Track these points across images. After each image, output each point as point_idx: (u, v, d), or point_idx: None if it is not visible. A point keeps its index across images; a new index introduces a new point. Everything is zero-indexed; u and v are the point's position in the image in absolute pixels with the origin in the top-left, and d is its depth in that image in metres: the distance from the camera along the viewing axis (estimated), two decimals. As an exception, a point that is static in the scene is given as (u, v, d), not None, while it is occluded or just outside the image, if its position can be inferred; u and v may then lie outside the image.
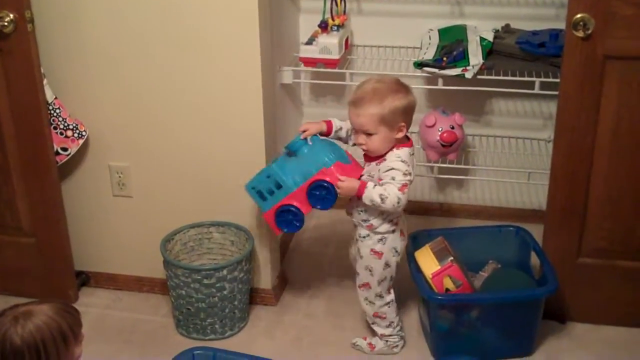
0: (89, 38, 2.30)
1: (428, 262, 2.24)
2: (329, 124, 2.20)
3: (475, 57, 2.51)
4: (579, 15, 2.02)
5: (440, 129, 2.61)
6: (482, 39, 2.61)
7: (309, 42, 2.61)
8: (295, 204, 2.12)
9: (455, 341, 2.23)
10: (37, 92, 2.26)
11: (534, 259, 2.36)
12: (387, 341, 2.28)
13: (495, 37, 2.63)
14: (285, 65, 2.63)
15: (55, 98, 2.35)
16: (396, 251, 2.18)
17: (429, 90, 2.78)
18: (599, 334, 2.35)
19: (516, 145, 2.83)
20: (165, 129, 2.38)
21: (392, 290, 2.24)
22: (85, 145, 2.43)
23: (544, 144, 2.78)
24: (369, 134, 2.06)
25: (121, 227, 2.55)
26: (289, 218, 2.14)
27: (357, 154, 2.24)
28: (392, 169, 2.06)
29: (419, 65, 2.54)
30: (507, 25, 2.69)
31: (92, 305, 2.54)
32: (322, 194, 2.09)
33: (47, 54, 2.30)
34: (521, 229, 2.45)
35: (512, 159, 2.80)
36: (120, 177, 2.47)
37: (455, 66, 2.48)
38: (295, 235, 2.88)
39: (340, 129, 2.21)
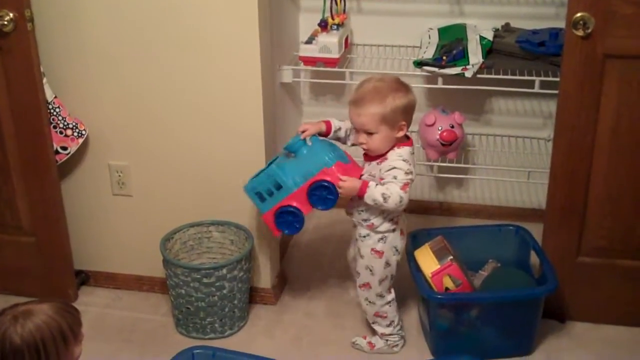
0: (88, 37, 2.30)
1: (428, 261, 2.24)
2: (328, 124, 2.20)
3: (475, 56, 2.50)
4: (578, 14, 2.02)
5: (439, 128, 2.61)
6: (481, 38, 2.61)
7: (309, 41, 2.61)
8: (295, 204, 2.12)
9: (455, 340, 2.23)
10: (36, 91, 2.26)
11: (534, 258, 2.36)
12: (387, 340, 2.28)
13: (495, 36, 2.63)
14: (285, 64, 2.63)
15: (55, 97, 2.34)
16: (396, 250, 2.18)
17: (429, 89, 2.78)
18: (598, 333, 2.35)
19: (516, 144, 2.83)
20: (164, 127, 2.38)
21: (392, 290, 2.24)
22: (84, 144, 2.43)
23: (544, 143, 2.78)
24: (369, 133, 2.06)
25: (121, 226, 2.55)
26: (288, 219, 2.14)
27: (355, 154, 2.24)
28: (394, 168, 2.06)
29: (419, 64, 2.54)
30: (507, 24, 2.68)
31: (91, 304, 2.54)
32: (324, 194, 2.08)
33: (46, 53, 2.30)
34: (521, 228, 2.45)
35: (512, 158, 2.80)
36: (120, 176, 2.47)
37: (455, 65, 2.48)
38: (295, 235, 2.88)
39: (339, 129, 2.21)
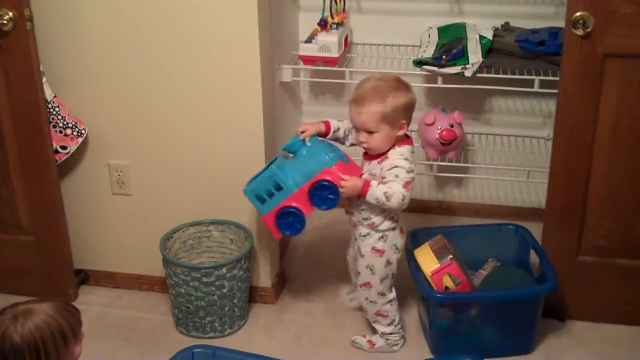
0: (88, 36, 2.30)
1: (427, 260, 2.24)
2: (327, 124, 2.19)
3: (475, 55, 2.50)
4: (578, 14, 2.02)
5: (439, 127, 2.61)
6: (481, 37, 2.61)
7: (309, 40, 2.61)
8: (296, 205, 2.11)
9: (454, 339, 2.23)
10: (36, 90, 2.26)
11: (534, 257, 2.36)
12: (387, 339, 2.28)
13: (494, 35, 2.63)
14: (284, 63, 2.63)
15: (55, 96, 2.34)
16: (396, 248, 2.19)
17: (428, 88, 2.78)
18: (598, 332, 2.35)
19: (515, 144, 2.83)
20: (164, 127, 2.37)
21: (393, 288, 2.24)
22: (84, 144, 2.43)
23: (544, 142, 2.78)
24: (370, 132, 2.06)
25: (120, 225, 2.55)
26: (289, 220, 2.13)
27: (354, 154, 2.24)
28: (396, 166, 2.06)
29: (419, 63, 2.54)
30: (507, 24, 2.68)
31: (91, 303, 2.54)
32: (325, 193, 2.08)
33: (46, 52, 2.30)
34: (520, 227, 2.45)
35: (512, 157, 2.80)
36: (119, 175, 2.47)
37: (454, 64, 2.48)
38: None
39: (338, 129, 2.21)
